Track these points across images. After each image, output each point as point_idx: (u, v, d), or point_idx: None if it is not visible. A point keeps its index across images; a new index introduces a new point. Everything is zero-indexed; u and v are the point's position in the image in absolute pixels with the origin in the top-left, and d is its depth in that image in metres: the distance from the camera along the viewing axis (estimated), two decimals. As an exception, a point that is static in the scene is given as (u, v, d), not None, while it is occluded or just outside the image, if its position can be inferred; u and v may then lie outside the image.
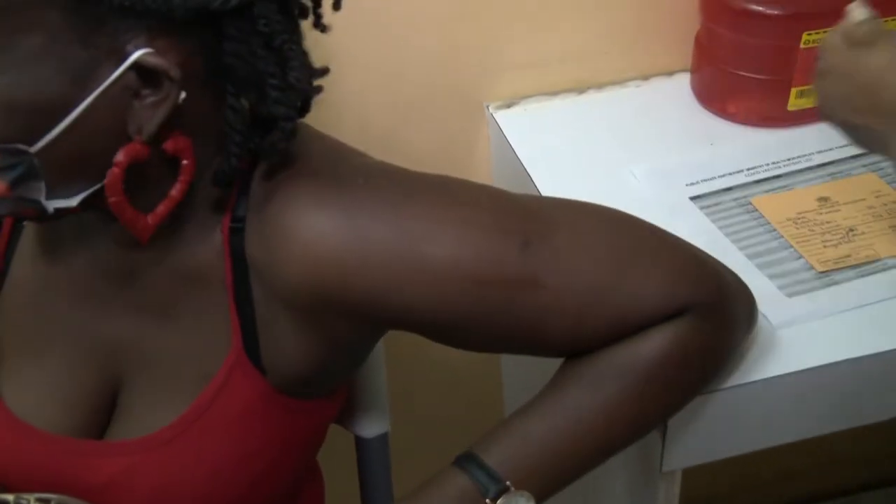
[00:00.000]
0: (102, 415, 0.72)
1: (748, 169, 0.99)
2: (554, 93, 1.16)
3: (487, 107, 1.15)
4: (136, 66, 0.58)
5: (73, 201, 0.61)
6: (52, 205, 0.61)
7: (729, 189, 0.97)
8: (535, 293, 0.65)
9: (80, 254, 0.71)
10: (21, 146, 0.58)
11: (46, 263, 0.72)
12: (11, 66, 0.56)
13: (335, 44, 0.70)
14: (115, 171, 0.60)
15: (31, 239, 0.73)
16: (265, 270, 0.66)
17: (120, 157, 0.60)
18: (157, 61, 0.58)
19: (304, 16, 0.67)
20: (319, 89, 0.66)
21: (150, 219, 0.64)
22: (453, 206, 0.66)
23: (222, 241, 0.67)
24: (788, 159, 1.00)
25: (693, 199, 0.96)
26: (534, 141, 1.08)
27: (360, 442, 0.98)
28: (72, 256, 0.71)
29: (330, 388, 0.75)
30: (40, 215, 0.62)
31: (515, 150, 1.06)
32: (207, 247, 0.68)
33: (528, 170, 1.02)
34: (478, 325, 0.66)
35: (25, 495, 0.67)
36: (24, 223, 0.73)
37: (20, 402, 0.70)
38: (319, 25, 0.68)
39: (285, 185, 0.65)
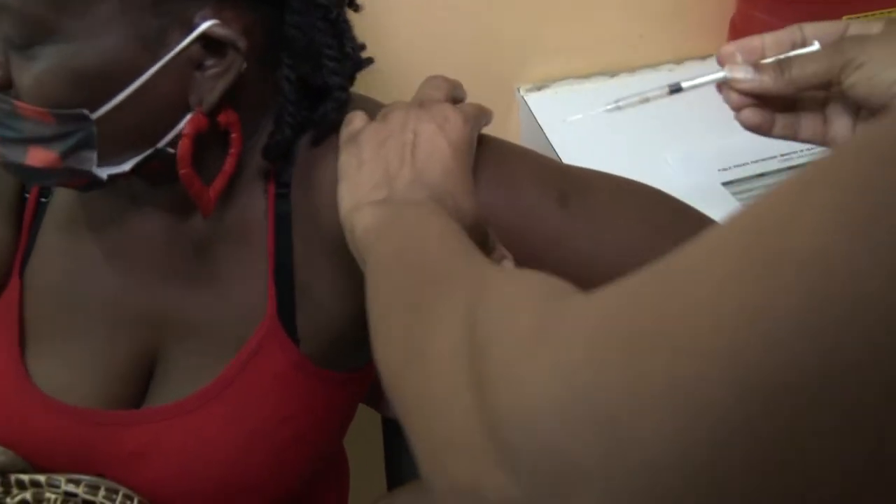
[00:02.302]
0: (138, 387, 0.72)
1: (781, 155, 0.98)
2: (586, 76, 1.16)
3: (518, 89, 1.14)
4: (202, 36, 0.59)
5: (126, 167, 0.62)
6: (105, 172, 0.61)
7: (762, 175, 0.96)
8: (575, 244, 0.65)
9: (112, 222, 0.71)
10: (84, 111, 0.58)
11: (75, 235, 0.72)
12: (85, 33, 0.56)
13: (372, 26, 0.70)
14: (184, 142, 0.61)
15: (59, 211, 0.73)
16: (310, 220, 0.67)
17: (188, 128, 0.61)
18: (224, 32, 0.59)
19: None
20: (371, 60, 0.68)
21: (211, 192, 0.65)
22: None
23: (267, 206, 0.68)
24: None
25: (725, 184, 0.95)
26: (564, 123, 1.08)
27: (386, 423, 0.99)
28: (104, 224, 0.72)
29: (360, 360, 0.75)
30: (88, 185, 0.62)
31: (546, 133, 1.06)
32: (251, 213, 0.69)
33: (558, 153, 1.02)
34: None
35: (57, 476, 0.68)
36: (51, 194, 0.73)
37: (50, 380, 0.71)
38: (353, 5, 0.69)
39: (335, 151, 0.66)
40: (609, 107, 0.68)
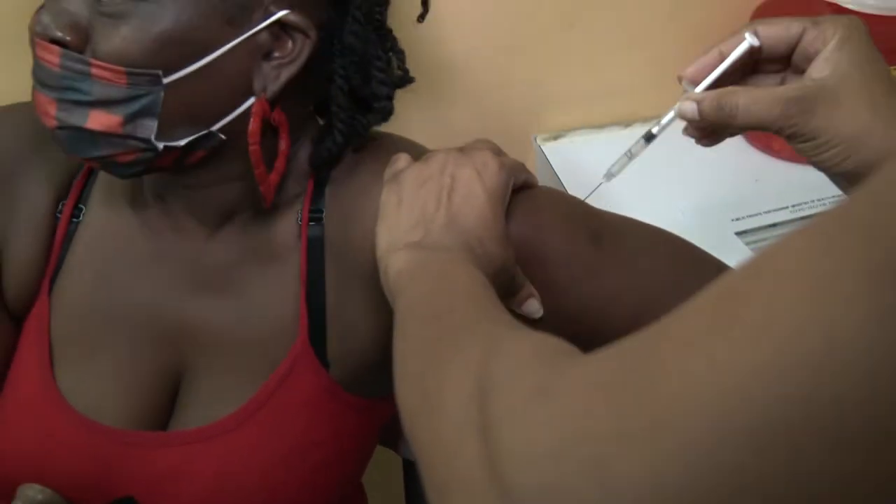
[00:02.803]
0: (164, 404, 0.73)
1: (793, 205, 1.00)
2: (600, 126, 1.18)
3: (535, 138, 1.17)
4: (273, 26, 0.63)
5: (181, 142, 0.64)
6: (162, 143, 0.64)
7: (774, 225, 0.98)
8: (601, 281, 0.67)
9: (142, 240, 0.74)
10: (159, 72, 0.61)
11: (104, 254, 0.74)
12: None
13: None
14: (255, 120, 0.65)
15: (89, 230, 0.75)
16: (346, 248, 0.70)
17: (256, 108, 0.65)
18: (298, 19, 0.64)
19: None
20: (413, 79, 0.72)
21: (271, 179, 0.68)
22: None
23: (300, 228, 0.71)
24: (833, 196, 1.01)
25: (738, 234, 0.97)
26: (579, 172, 1.10)
27: (406, 465, 0.99)
28: (134, 243, 0.74)
29: (385, 387, 0.76)
30: (138, 160, 0.64)
31: (562, 181, 1.08)
32: (284, 233, 0.72)
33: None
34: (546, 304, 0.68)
35: None
36: (82, 215, 0.75)
37: (80, 395, 0.72)
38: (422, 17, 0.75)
39: (369, 165, 0.71)
40: (603, 180, 0.70)
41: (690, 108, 0.64)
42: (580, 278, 0.68)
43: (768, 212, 1.00)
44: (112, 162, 0.65)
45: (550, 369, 0.38)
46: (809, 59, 0.61)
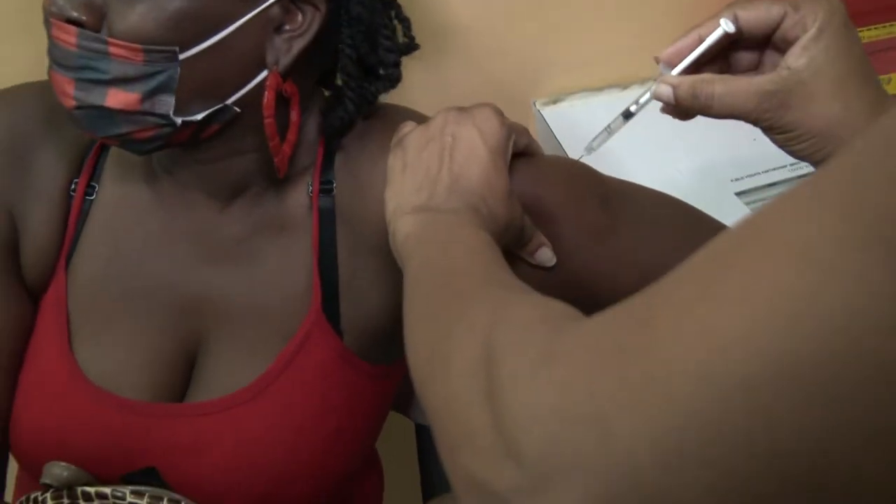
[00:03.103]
0: (181, 376, 0.75)
1: (791, 164, 1.01)
2: (598, 89, 1.19)
3: (534, 103, 1.18)
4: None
5: (198, 116, 0.65)
6: (180, 118, 0.65)
7: (773, 184, 0.99)
8: (609, 243, 0.69)
9: (155, 215, 0.75)
10: (175, 49, 0.62)
11: (119, 229, 0.75)
12: None
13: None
14: (269, 94, 0.66)
15: (103, 207, 0.76)
16: (356, 218, 0.71)
17: (270, 81, 0.66)
18: None
19: None
20: (418, 45, 0.73)
21: (285, 148, 0.69)
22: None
23: (311, 199, 0.72)
24: (830, 154, 1.02)
25: (738, 194, 0.98)
26: (579, 135, 1.10)
27: (419, 429, 1.01)
28: (147, 218, 0.75)
29: (397, 353, 0.78)
30: (157, 136, 0.65)
31: (562, 145, 1.09)
32: (295, 204, 0.73)
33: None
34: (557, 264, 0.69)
35: (121, 488, 0.70)
36: (96, 192, 0.76)
37: (98, 370, 0.73)
38: None
39: (377, 135, 0.72)
40: (583, 154, 0.71)
41: (666, 91, 0.64)
42: (587, 239, 0.69)
43: (767, 171, 1.01)
44: (131, 139, 0.66)
45: (554, 334, 0.40)
46: (789, 43, 0.62)
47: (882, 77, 0.90)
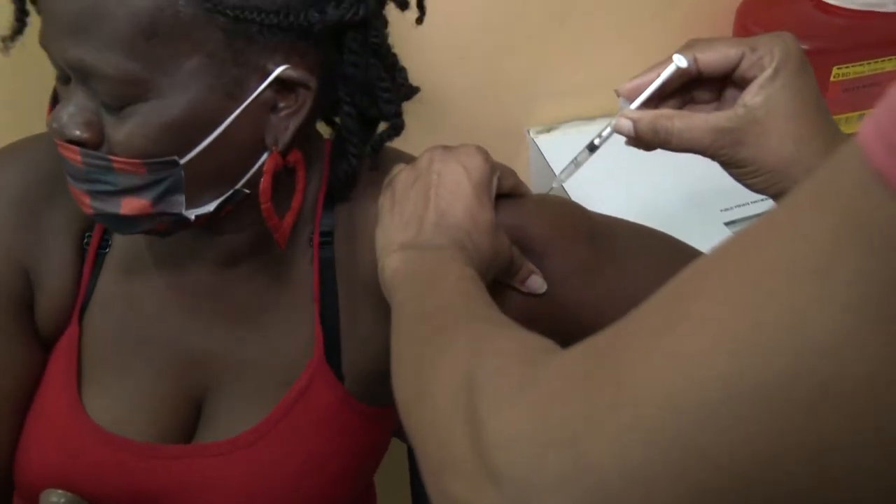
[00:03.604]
0: (187, 422, 0.76)
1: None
2: (591, 118, 1.21)
3: (528, 131, 1.20)
4: (275, 80, 0.64)
5: (211, 207, 0.66)
6: (192, 213, 0.66)
7: (762, 214, 1.00)
8: (595, 278, 0.70)
9: (166, 271, 0.76)
10: (175, 157, 0.63)
11: (131, 283, 0.76)
12: (174, 88, 0.61)
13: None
14: (266, 178, 0.66)
15: (116, 261, 0.77)
16: (355, 270, 0.72)
17: (267, 166, 0.66)
18: (297, 74, 0.64)
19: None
20: (418, 89, 0.73)
21: (285, 225, 0.69)
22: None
23: (311, 254, 0.73)
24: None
25: (727, 224, 1.00)
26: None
27: (412, 452, 1.02)
28: (158, 273, 0.76)
29: None
30: (173, 228, 0.67)
31: (555, 172, 1.11)
32: (297, 261, 0.74)
33: (565, 188, 1.07)
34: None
35: None
36: (109, 245, 0.77)
37: (106, 414, 0.74)
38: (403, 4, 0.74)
39: (372, 187, 0.73)
40: (554, 185, 0.73)
41: (626, 125, 0.66)
42: (574, 273, 0.71)
43: (755, 202, 1.02)
44: (152, 231, 0.68)
45: (531, 366, 0.42)
46: (747, 82, 0.64)
47: (867, 111, 0.93)
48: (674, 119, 0.65)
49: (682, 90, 0.69)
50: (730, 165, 0.65)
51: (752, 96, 0.63)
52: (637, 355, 0.36)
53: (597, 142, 0.70)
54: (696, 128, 0.64)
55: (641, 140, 0.66)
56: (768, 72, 0.63)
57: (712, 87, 0.68)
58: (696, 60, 0.65)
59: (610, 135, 0.69)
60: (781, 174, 0.63)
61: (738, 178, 0.66)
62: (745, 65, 0.64)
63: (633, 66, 1.19)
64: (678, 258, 0.72)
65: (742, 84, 0.64)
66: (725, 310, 0.34)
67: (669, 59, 0.66)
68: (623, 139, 0.69)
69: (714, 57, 0.65)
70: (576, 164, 0.71)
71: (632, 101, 0.67)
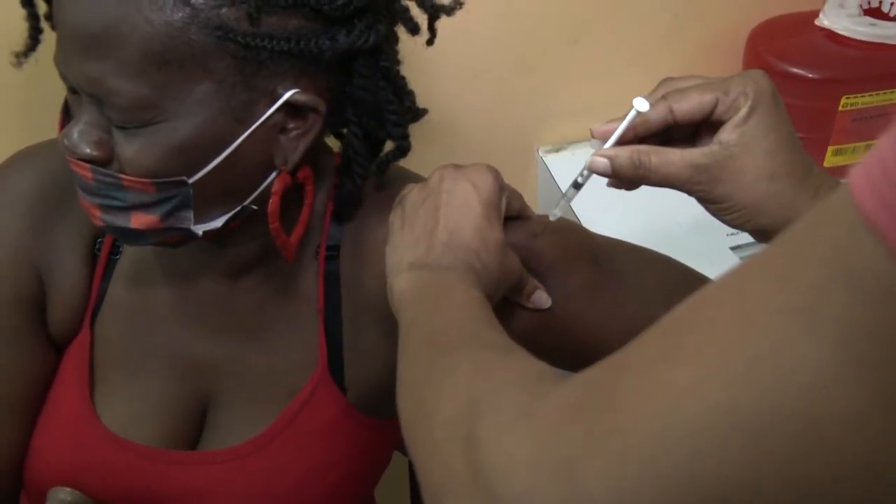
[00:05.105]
0: (193, 429, 0.78)
1: (785, 221, 1.03)
2: (601, 139, 1.21)
3: (538, 150, 1.20)
4: (285, 103, 0.64)
5: (218, 223, 0.67)
6: (200, 228, 0.67)
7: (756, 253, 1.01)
8: (598, 300, 0.71)
9: (174, 280, 0.77)
10: (184, 178, 0.64)
11: (141, 291, 0.78)
12: (184, 111, 0.62)
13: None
14: (274, 199, 0.67)
15: (126, 269, 0.78)
16: (359, 286, 0.73)
17: (276, 186, 0.67)
18: (306, 98, 0.65)
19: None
20: (426, 111, 0.74)
21: (293, 240, 0.70)
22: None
23: (317, 267, 0.74)
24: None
25: (733, 248, 1.00)
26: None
27: (413, 468, 1.02)
28: (167, 282, 0.77)
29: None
30: (183, 240, 0.68)
31: (563, 192, 1.11)
32: (303, 273, 0.75)
33: (575, 213, 1.07)
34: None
35: None
36: (120, 252, 0.78)
37: (115, 419, 0.76)
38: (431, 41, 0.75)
39: (380, 203, 0.73)
40: (551, 218, 0.72)
41: (602, 163, 0.67)
42: (579, 294, 0.72)
43: (761, 227, 1.03)
44: (161, 243, 0.69)
45: (533, 395, 0.43)
46: (723, 122, 0.65)
47: (871, 142, 0.93)
48: (651, 154, 0.66)
49: (661, 132, 0.70)
50: (706, 201, 0.66)
51: (727, 134, 0.64)
52: (632, 385, 0.38)
53: (580, 180, 0.70)
54: (673, 163, 0.65)
55: (621, 175, 0.67)
56: (743, 111, 0.64)
57: (688, 128, 0.69)
58: (671, 111, 0.66)
59: (590, 175, 0.69)
60: (757, 210, 0.64)
61: (714, 214, 0.67)
62: (720, 109, 0.65)
63: (644, 88, 1.19)
64: (679, 280, 0.73)
65: (718, 125, 0.66)
66: (718, 345, 0.35)
67: (653, 102, 0.67)
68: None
69: (689, 106, 0.66)
70: (567, 199, 0.72)
71: (604, 141, 0.68)
